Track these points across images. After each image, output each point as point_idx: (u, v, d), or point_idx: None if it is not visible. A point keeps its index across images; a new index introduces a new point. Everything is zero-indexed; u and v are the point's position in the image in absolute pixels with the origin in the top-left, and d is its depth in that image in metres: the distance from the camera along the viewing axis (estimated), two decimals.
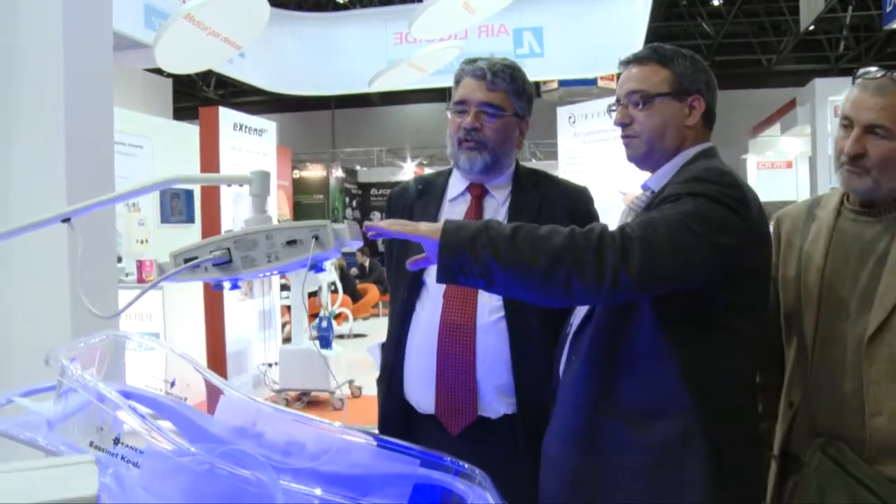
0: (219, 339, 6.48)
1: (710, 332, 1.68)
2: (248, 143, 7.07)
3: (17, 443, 1.24)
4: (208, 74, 16.25)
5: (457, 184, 2.22)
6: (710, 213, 1.60)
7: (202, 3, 7.13)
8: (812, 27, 14.98)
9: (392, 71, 9.16)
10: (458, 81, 2.17)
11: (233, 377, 6.54)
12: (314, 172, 19.52)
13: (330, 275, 7.77)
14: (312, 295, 7.54)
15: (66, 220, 1.33)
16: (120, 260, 6.52)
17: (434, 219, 2.14)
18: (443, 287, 2.07)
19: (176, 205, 9.05)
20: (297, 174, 18.12)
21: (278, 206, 10.69)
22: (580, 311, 1.84)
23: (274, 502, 1.12)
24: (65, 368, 1.24)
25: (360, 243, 1.40)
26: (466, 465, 1.71)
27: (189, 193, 8.91)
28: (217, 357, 6.47)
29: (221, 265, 1.25)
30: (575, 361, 1.79)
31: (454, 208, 2.19)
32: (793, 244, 2.04)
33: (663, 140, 1.81)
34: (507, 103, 2.12)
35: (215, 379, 1.73)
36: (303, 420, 1.79)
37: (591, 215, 2.18)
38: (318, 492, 1.37)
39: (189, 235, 8.20)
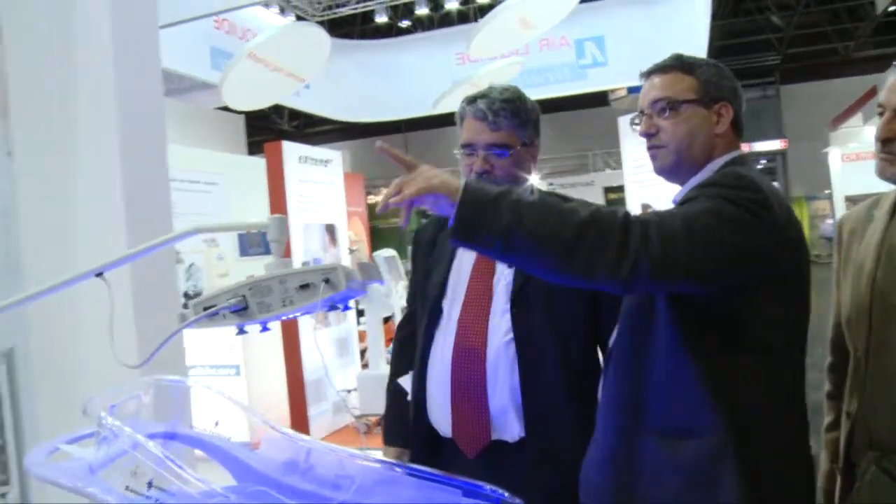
0: (297, 368, 6.60)
1: (735, 347, 1.61)
2: (315, 175, 7.20)
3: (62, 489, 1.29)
4: (281, 107, 16.65)
5: None
6: (726, 213, 1.53)
7: (263, 42, 7.35)
8: (892, 7, 14.47)
9: (455, 92, 9.24)
10: (461, 119, 2.16)
11: (312, 405, 6.64)
12: None
13: (402, 300, 7.85)
14: (387, 320, 7.60)
15: (100, 275, 1.38)
16: (199, 294, 6.71)
17: (451, 250, 2.20)
18: (457, 312, 2.12)
19: (253, 238, 9.27)
20: (371, 199, 18.35)
21: (354, 233, 10.83)
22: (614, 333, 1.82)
23: None
24: (101, 418, 1.29)
25: (379, 282, 1.42)
26: (507, 494, 1.72)
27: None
28: (296, 386, 6.59)
29: (238, 311, 1.28)
30: (607, 383, 1.77)
31: None
32: (851, 248, 1.97)
33: (692, 149, 1.74)
34: (513, 139, 2.11)
35: (257, 417, 1.77)
36: (350, 455, 1.82)
37: None
38: None
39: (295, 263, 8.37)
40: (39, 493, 2.63)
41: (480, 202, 1.48)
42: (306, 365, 6.64)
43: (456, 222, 1.49)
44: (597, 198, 18.67)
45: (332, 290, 1.28)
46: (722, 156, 1.75)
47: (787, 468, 1.64)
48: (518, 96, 2.13)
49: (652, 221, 1.49)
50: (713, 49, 14.24)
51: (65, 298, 2.27)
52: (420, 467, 1.83)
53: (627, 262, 1.44)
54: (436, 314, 2.18)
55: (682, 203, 1.63)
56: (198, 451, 1.69)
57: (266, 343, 6.58)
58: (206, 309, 1.29)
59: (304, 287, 1.28)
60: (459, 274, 2.19)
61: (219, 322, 1.30)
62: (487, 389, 2.06)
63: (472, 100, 2.13)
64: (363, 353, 7.99)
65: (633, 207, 7.59)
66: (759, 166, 27.16)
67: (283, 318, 1.33)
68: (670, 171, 1.79)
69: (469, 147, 2.12)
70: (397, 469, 1.82)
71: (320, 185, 7.30)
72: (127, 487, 1.22)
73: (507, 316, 2.07)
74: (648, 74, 1.82)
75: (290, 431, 1.84)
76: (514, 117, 2.10)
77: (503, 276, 2.12)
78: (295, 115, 19.75)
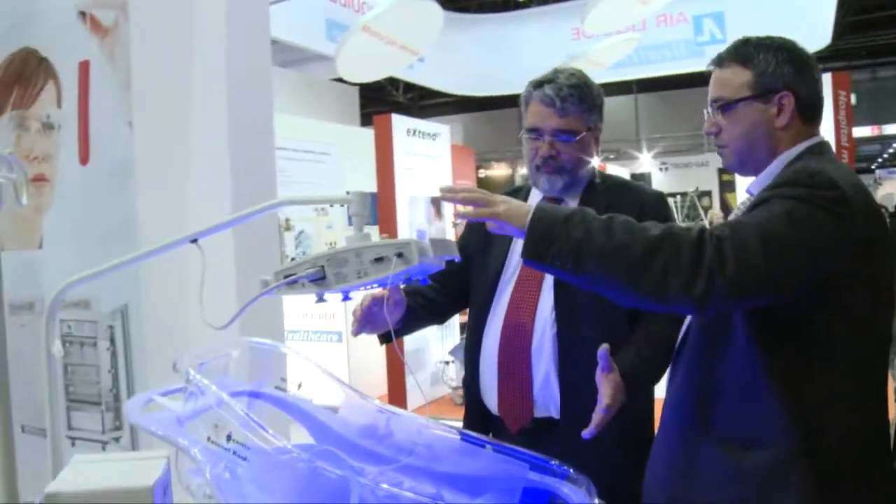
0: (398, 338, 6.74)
1: (813, 352, 1.54)
2: (422, 148, 7.31)
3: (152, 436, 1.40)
4: (395, 79, 16.86)
5: (535, 196, 2.30)
6: (800, 215, 1.47)
7: (378, 15, 7.47)
8: None
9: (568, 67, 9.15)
10: (526, 103, 2.19)
11: (410, 374, 6.79)
12: (500, 171, 19.78)
13: None
14: None
15: (195, 241, 1.49)
16: None
17: None
18: (510, 289, 2.16)
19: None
20: (482, 173, 18.43)
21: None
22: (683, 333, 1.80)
23: (349, 500, 1.21)
24: (189, 375, 1.39)
25: (452, 257, 1.47)
26: (572, 471, 1.76)
27: (372, 197, 9.32)
28: (395, 355, 6.74)
29: (316, 281, 1.37)
30: (673, 385, 1.75)
31: None
32: None
33: (752, 148, 1.70)
34: (579, 124, 2.14)
35: (340, 383, 1.86)
36: (429, 424, 1.89)
37: (663, 213, 2.17)
38: (408, 494, 1.45)
39: (374, 236, 8.57)
40: (147, 441, 2.82)
41: (551, 222, 1.49)
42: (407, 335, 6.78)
43: (527, 242, 1.51)
44: (711, 179, 18.13)
45: (404, 264, 1.34)
46: (791, 148, 1.69)
47: (864, 483, 1.56)
48: (584, 81, 2.16)
49: (726, 237, 1.44)
50: (842, 25, 13.56)
51: (175, 260, 2.42)
52: (495, 441, 1.89)
53: (701, 282, 1.41)
54: (492, 292, 2.22)
55: (753, 206, 1.57)
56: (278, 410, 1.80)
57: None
58: (286, 277, 1.37)
59: (379, 260, 1.35)
60: (515, 252, 2.21)
61: (298, 290, 1.39)
62: (532, 366, 2.11)
63: (538, 84, 2.15)
64: (463, 326, 8.10)
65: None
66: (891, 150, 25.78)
67: (360, 289, 1.41)
68: (736, 167, 1.77)
69: (535, 132, 2.15)
70: (473, 440, 1.89)
71: (427, 158, 7.40)
72: (208, 439, 1.32)
73: (552, 293, 2.10)
74: (711, 65, 1.77)
75: (373, 399, 1.93)
76: (581, 103, 2.12)
77: None
78: (409, 87, 19.89)
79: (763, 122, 1.68)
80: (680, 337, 1.77)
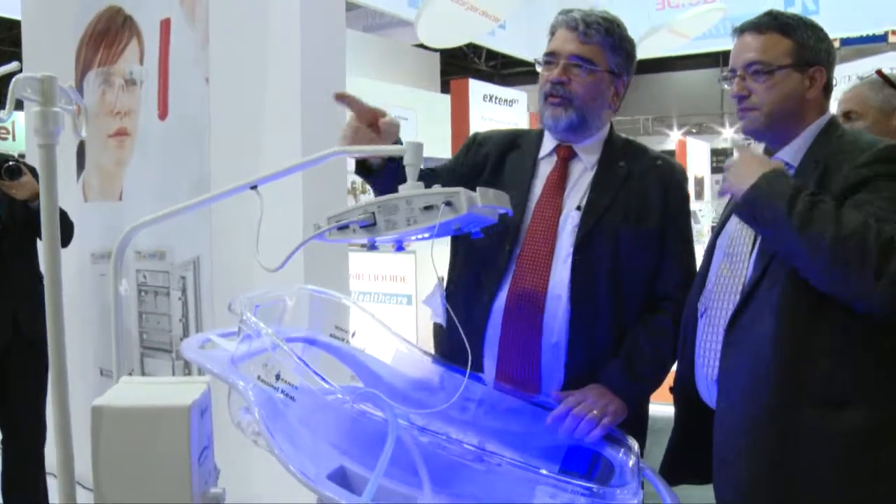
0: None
1: None
2: (499, 114, 7.29)
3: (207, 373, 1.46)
4: (478, 47, 16.76)
5: (547, 142, 2.05)
6: None
7: None
8: None
9: (650, 38, 8.95)
10: (552, 33, 2.00)
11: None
12: None
13: None
14: None
15: (254, 188, 1.54)
16: None
17: (528, 177, 2.00)
18: (517, 248, 1.95)
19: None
20: None
21: None
22: (718, 298, 1.77)
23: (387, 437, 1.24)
24: (244, 316, 1.45)
25: (505, 210, 1.47)
26: (618, 431, 1.76)
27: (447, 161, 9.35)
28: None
29: (367, 227, 1.39)
30: (740, 352, 1.69)
31: (544, 168, 2.03)
32: None
33: (784, 114, 1.74)
34: (601, 57, 1.93)
35: (396, 335, 1.90)
36: (478, 379, 1.92)
37: (685, 194, 2.03)
38: (452, 434, 1.49)
39: None
40: (216, 384, 2.94)
41: (767, 191, 1.57)
42: None
43: (742, 200, 1.61)
44: None
45: (453, 212, 1.35)
46: (816, 119, 1.75)
47: None
48: (619, 23, 1.98)
49: None
50: None
51: (245, 215, 2.50)
52: (546, 400, 1.91)
53: (883, 284, 1.45)
54: (511, 245, 1.95)
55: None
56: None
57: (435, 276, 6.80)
58: (338, 222, 1.41)
59: (429, 208, 1.36)
60: (532, 203, 1.99)
61: (349, 235, 1.41)
62: (542, 341, 1.90)
63: (567, 11, 1.97)
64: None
65: None
66: None
67: (410, 237, 1.43)
68: (760, 132, 1.79)
69: (551, 55, 1.95)
70: (523, 398, 1.92)
71: (504, 124, 7.38)
72: (258, 377, 1.37)
73: (570, 262, 1.90)
74: (742, 31, 1.78)
75: (425, 352, 1.96)
76: (608, 36, 1.93)
77: (570, 217, 1.94)
78: (492, 55, 19.80)
79: (797, 91, 1.74)
80: (733, 304, 1.73)
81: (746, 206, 1.61)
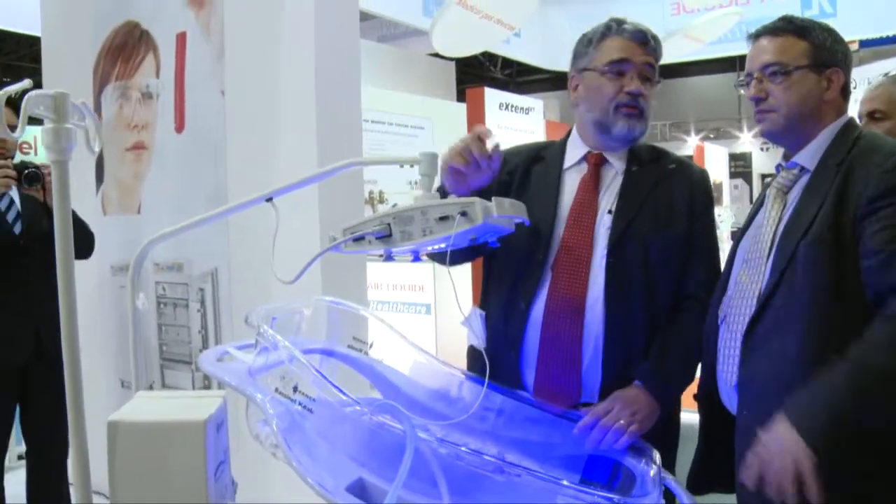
0: None
1: None
2: (515, 122, 7.29)
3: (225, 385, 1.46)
4: (493, 55, 16.76)
5: (574, 151, 2.05)
6: None
7: None
8: None
9: (666, 43, 8.90)
10: (601, 39, 1.96)
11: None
12: None
13: None
14: None
15: (269, 200, 1.54)
16: None
17: (555, 187, 2.00)
18: (552, 256, 1.95)
19: None
20: None
21: None
22: (737, 305, 1.76)
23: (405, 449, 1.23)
24: (261, 330, 1.44)
25: (522, 219, 1.47)
26: (639, 441, 1.75)
27: None
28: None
29: (382, 238, 1.39)
30: (759, 359, 1.68)
31: (570, 177, 2.03)
32: None
33: (802, 115, 1.73)
34: (655, 69, 1.98)
35: (413, 346, 1.89)
36: (501, 391, 1.91)
37: (711, 199, 2.03)
38: (471, 445, 1.48)
39: None
40: (234, 396, 2.94)
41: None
42: None
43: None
44: None
45: (468, 223, 1.34)
46: (833, 121, 1.75)
47: None
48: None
49: None
50: None
51: (263, 227, 2.50)
52: (565, 409, 1.89)
53: None
54: (544, 255, 1.95)
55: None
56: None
57: (457, 284, 6.79)
58: (353, 233, 1.40)
59: (444, 219, 1.36)
60: (562, 212, 1.98)
61: (364, 247, 1.41)
62: (583, 346, 1.89)
63: (620, 22, 1.96)
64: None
65: None
66: None
67: (426, 248, 1.42)
68: (779, 135, 1.79)
69: (624, 64, 1.92)
70: (542, 407, 1.90)
71: (520, 132, 7.37)
72: (276, 389, 1.37)
73: (604, 265, 1.89)
74: (757, 36, 1.79)
75: (447, 364, 1.95)
76: (658, 48, 1.98)
77: (603, 220, 1.94)
78: (507, 63, 19.78)
79: (815, 93, 1.74)
80: (751, 309, 1.71)
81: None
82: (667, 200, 1.96)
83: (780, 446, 1.50)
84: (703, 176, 2.07)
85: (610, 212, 1.94)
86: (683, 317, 1.94)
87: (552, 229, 1.96)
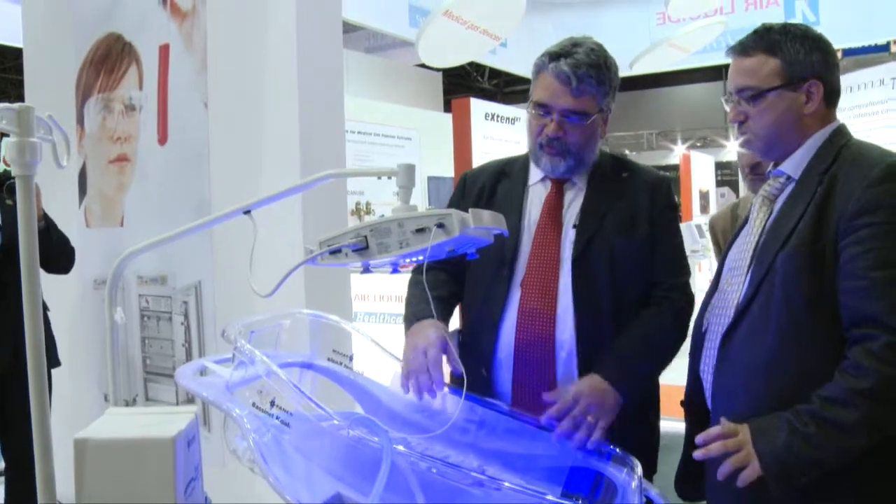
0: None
1: None
2: (501, 132, 7.30)
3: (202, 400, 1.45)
4: (480, 65, 16.80)
5: (537, 169, 2.08)
6: None
7: (460, 0, 7.45)
8: None
9: (652, 53, 8.96)
10: (537, 73, 1.99)
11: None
12: None
13: None
14: None
15: (247, 212, 1.53)
16: None
17: (519, 203, 2.06)
18: (522, 270, 2.00)
19: (442, 189, 9.55)
20: None
21: None
22: (717, 314, 1.77)
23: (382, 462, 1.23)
24: (238, 344, 1.44)
25: (500, 231, 1.46)
26: (619, 451, 1.74)
27: (450, 180, 9.35)
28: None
29: (359, 250, 1.38)
30: (731, 368, 1.68)
31: (535, 192, 2.08)
32: None
33: (781, 135, 1.71)
34: (592, 105, 1.95)
35: (396, 358, 1.89)
36: (482, 402, 1.90)
37: (673, 205, 2.07)
38: (452, 457, 1.47)
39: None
40: (215, 410, 2.92)
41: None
42: None
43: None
44: None
45: (445, 234, 1.34)
46: (818, 130, 1.71)
47: None
48: (605, 60, 1.97)
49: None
50: None
51: (246, 240, 2.49)
52: (546, 420, 1.89)
53: None
54: (510, 270, 2.01)
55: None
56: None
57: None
58: (329, 246, 1.39)
59: (421, 231, 1.35)
60: (528, 228, 2.04)
61: (341, 259, 1.40)
62: (556, 358, 1.94)
63: (555, 56, 1.94)
64: None
65: None
66: None
67: (403, 260, 1.42)
68: (762, 153, 1.79)
69: (544, 108, 1.95)
70: (524, 419, 1.90)
71: (506, 143, 7.38)
72: (253, 404, 1.36)
73: (570, 276, 1.95)
74: (731, 52, 1.77)
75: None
76: (599, 84, 1.93)
77: (568, 235, 1.99)
78: (495, 73, 19.83)
79: (793, 110, 1.70)
80: (728, 318, 1.71)
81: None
82: (628, 208, 2.01)
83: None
84: (662, 179, 2.12)
85: (575, 226, 2.00)
86: (645, 311, 2.00)
87: (517, 244, 2.02)
